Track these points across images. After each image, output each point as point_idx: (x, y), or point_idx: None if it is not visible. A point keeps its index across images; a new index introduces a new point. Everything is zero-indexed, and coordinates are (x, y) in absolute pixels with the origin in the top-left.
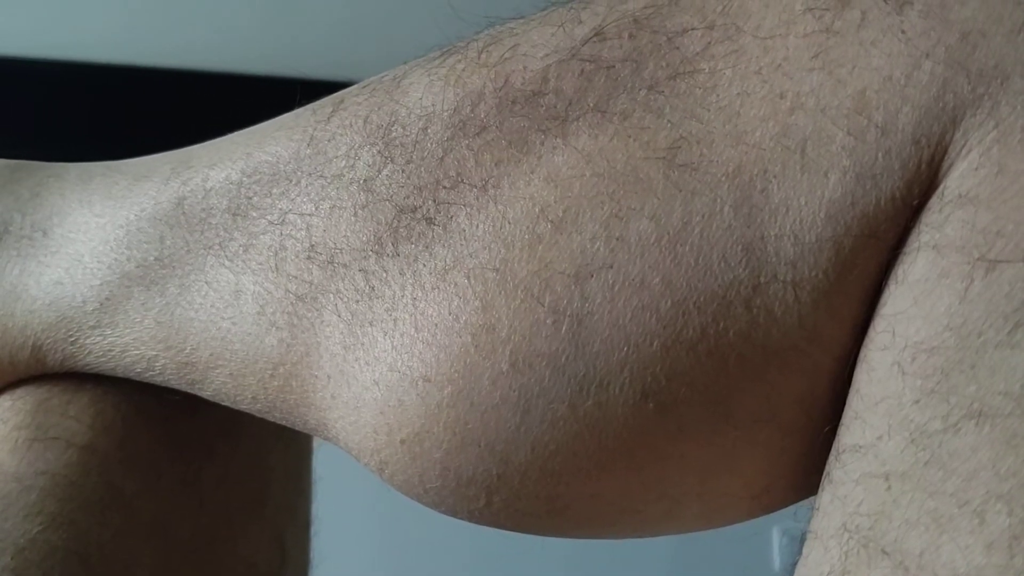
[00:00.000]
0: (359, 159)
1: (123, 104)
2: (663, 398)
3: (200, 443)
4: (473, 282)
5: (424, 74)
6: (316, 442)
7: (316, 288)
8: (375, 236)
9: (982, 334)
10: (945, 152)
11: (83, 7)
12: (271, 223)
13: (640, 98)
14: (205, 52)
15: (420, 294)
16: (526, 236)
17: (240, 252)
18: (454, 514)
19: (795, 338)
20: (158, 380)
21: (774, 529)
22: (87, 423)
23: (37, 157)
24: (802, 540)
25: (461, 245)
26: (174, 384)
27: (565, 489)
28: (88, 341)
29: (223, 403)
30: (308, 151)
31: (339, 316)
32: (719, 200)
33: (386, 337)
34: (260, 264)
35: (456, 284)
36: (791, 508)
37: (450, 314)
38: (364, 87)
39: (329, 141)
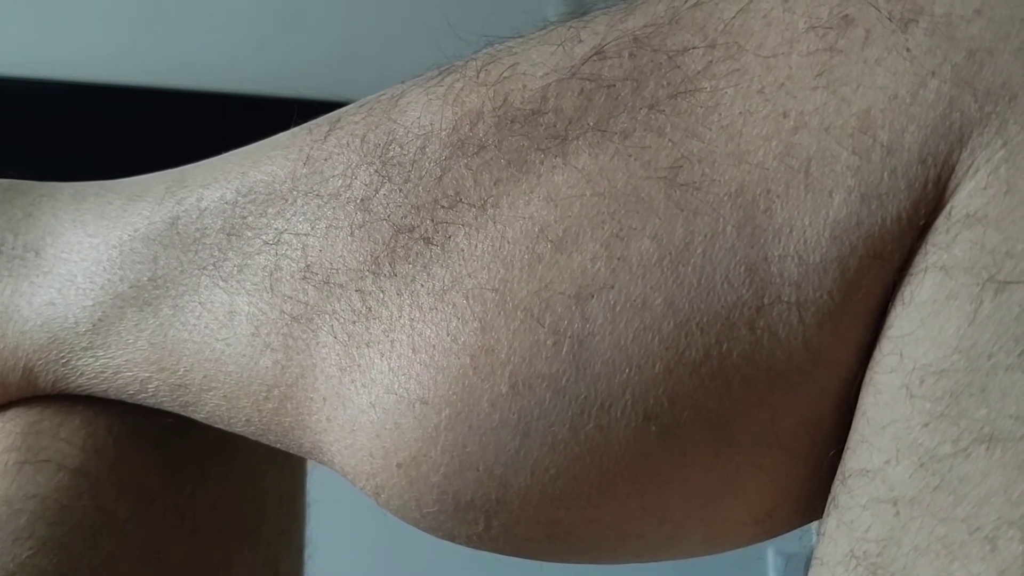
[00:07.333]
0: (356, 178)
1: (119, 124)
2: (666, 421)
3: (193, 466)
4: (472, 303)
5: (422, 93)
6: (310, 465)
7: (312, 309)
8: (372, 256)
9: (992, 356)
10: (952, 171)
11: (79, 27)
12: (266, 243)
13: (641, 117)
14: (202, 72)
15: (418, 315)
16: (525, 256)
17: (235, 272)
18: (452, 539)
19: (800, 360)
20: (151, 402)
21: (769, 549)
22: (79, 445)
23: (31, 177)
24: (807, 565)
25: (460, 265)
26: (167, 406)
27: (565, 514)
28: (80, 362)
29: (217, 426)
30: (304, 170)
31: (335, 337)
32: (721, 220)
33: (383, 359)
34: (255, 284)
35: (455, 305)
36: None
37: (448, 335)
38: (361, 106)
39: (326, 160)
